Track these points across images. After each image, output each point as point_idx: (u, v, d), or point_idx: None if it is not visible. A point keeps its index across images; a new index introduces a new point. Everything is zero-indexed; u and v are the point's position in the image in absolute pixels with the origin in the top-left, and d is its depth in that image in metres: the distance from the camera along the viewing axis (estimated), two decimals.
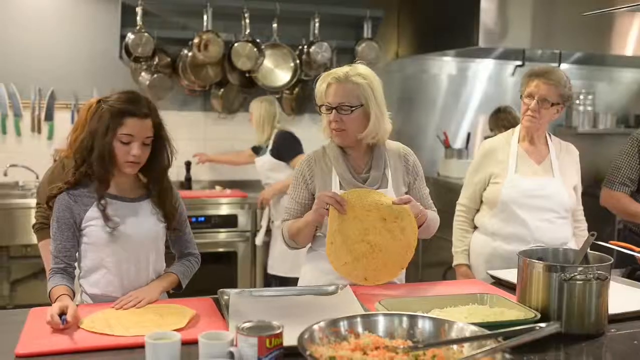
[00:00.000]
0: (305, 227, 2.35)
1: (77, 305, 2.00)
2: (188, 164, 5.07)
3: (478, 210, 2.93)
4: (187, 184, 5.04)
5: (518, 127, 2.91)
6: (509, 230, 2.78)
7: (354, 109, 2.30)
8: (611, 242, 2.80)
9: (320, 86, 2.34)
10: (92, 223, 2.13)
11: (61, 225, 2.13)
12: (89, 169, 2.12)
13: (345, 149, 2.40)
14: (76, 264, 2.20)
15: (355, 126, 2.33)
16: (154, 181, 2.21)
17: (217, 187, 5.18)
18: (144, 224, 2.18)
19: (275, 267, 4.59)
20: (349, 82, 2.29)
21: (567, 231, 2.83)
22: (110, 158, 2.10)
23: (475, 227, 2.95)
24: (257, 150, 4.80)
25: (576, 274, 1.83)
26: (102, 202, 2.12)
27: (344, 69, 2.33)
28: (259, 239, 4.71)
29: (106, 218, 2.11)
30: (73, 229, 2.14)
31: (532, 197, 2.76)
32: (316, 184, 2.38)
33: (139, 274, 2.18)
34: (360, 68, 2.35)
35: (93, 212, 2.13)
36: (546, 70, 2.78)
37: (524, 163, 2.82)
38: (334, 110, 2.30)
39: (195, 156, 5.05)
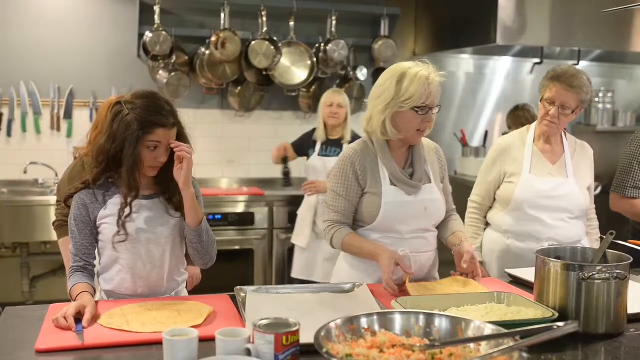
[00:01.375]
0: (364, 256, 2.37)
1: (96, 301, 2.02)
2: (285, 161, 4.71)
3: (490, 207, 2.91)
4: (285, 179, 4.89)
5: (533, 125, 2.87)
6: (522, 228, 2.77)
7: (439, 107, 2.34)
8: (630, 240, 2.77)
9: (417, 87, 2.24)
10: (106, 221, 2.15)
11: (79, 224, 2.16)
12: (114, 174, 2.14)
13: (389, 144, 2.39)
14: (95, 262, 2.22)
15: (432, 124, 2.37)
16: (168, 179, 2.17)
17: (234, 185, 5.19)
18: (158, 220, 2.19)
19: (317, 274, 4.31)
20: (439, 83, 2.29)
21: (580, 230, 2.81)
22: (139, 166, 2.12)
23: (487, 224, 2.93)
24: (306, 146, 4.49)
25: (594, 272, 1.81)
26: (127, 208, 2.13)
27: (428, 70, 2.27)
28: (305, 241, 4.35)
29: (121, 221, 2.12)
30: (90, 226, 2.16)
31: (545, 197, 2.74)
32: (367, 179, 2.37)
33: (152, 271, 2.19)
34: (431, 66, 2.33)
35: (107, 210, 2.15)
36: (568, 74, 2.69)
37: (538, 162, 2.80)
38: (429, 111, 2.28)
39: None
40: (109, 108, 2.91)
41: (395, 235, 2.37)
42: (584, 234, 2.83)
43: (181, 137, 2.17)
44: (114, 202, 2.15)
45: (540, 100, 2.76)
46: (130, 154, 2.08)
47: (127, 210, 2.13)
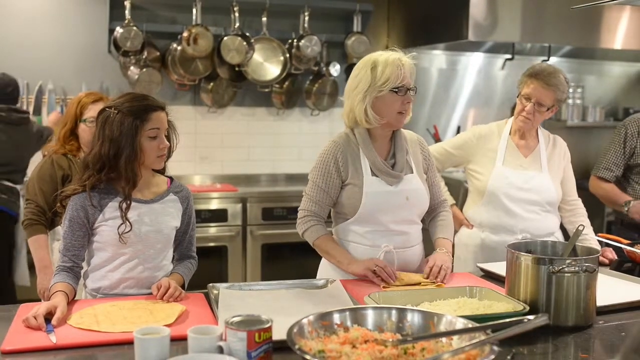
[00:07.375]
0: (334, 261, 2.38)
1: (75, 300, 2.01)
2: None
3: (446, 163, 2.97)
4: None
5: (511, 119, 2.90)
6: (496, 220, 2.80)
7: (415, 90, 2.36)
8: (599, 234, 2.82)
9: (392, 70, 2.28)
10: (106, 224, 2.13)
11: (73, 225, 2.13)
12: (112, 172, 2.12)
13: (371, 136, 2.40)
14: (83, 264, 2.20)
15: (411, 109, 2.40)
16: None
17: (207, 182, 5.16)
18: (156, 225, 2.19)
19: None
20: (413, 65, 2.33)
21: (553, 222, 2.83)
22: (139, 158, 2.11)
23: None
24: None
25: (564, 266, 1.84)
26: (127, 202, 2.13)
27: (398, 54, 2.32)
28: None
29: (124, 218, 2.11)
30: (85, 228, 2.14)
31: (518, 189, 2.77)
32: (349, 171, 2.38)
33: (144, 273, 2.19)
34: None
35: (108, 213, 2.14)
36: (546, 72, 2.71)
37: (512, 155, 2.83)
38: (408, 92, 2.32)
39: None
40: (78, 104, 2.88)
41: (379, 228, 2.37)
42: (557, 227, 2.86)
43: (169, 124, 2.21)
44: (113, 207, 2.14)
45: (518, 96, 2.80)
46: (129, 144, 2.08)
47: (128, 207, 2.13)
